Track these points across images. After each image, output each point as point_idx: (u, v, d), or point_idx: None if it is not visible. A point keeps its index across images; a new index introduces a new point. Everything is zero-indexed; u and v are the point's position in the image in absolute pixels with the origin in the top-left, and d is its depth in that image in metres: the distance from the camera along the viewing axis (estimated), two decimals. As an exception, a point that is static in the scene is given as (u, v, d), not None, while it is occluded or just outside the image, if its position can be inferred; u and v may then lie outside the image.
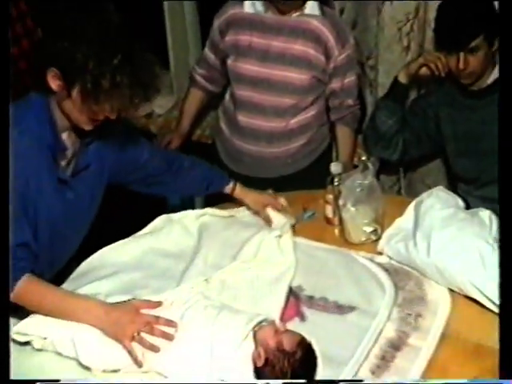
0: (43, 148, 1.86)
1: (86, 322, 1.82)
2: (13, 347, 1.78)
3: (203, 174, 2.40)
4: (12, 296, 1.77)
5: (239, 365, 1.75)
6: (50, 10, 1.88)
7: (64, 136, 1.93)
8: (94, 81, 1.72)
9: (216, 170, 2.51)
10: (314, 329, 1.85)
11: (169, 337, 1.80)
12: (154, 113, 3.76)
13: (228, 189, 2.40)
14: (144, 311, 1.84)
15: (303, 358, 1.75)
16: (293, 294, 2.05)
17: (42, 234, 1.92)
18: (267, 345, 1.75)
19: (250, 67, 2.64)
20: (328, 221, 2.41)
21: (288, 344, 1.76)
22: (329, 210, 2.38)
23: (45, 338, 1.84)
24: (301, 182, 2.65)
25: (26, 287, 1.80)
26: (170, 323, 1.82)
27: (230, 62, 2.69)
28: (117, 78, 1.73)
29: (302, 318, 1.97)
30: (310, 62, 2.60)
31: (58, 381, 1.59)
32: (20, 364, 1.79)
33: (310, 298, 2.04)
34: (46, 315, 1.83)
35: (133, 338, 1.79)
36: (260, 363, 1.74)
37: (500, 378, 1.44)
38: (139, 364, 1.77)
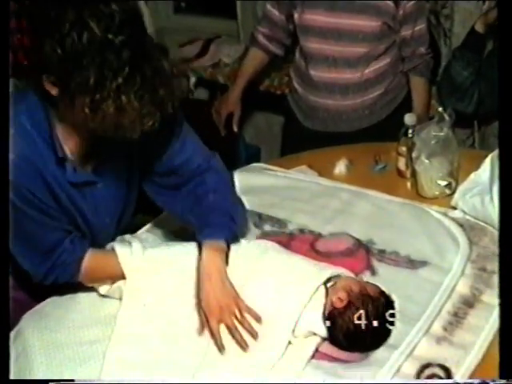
0: (43, 151, 1.67)
1: None
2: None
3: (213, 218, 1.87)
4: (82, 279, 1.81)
5: (308, 316, 1.72)
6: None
7: (65, 144, 1.71)
8: (94, 105, 1.48)
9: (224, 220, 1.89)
10: (385, 283, 1.80)
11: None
12: (221, 62, 3.74)
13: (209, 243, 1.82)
14: None
15: (386, 306, 1.72)
16: (363, 247, 2.01)
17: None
18: (350, 289, 1.72)
19: (317, 18, 2.58)
20: (400, 174, 2.36)
21: (372, 290, 1.73)
22: (401, 163, 2.33)
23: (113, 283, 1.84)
24: (377, 135, 2.61)
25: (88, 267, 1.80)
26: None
27: (296, 14, 2.63)
28: (122, 99, 1.46)
29: (373, 271, 1.93)
30: (379, 8, 2.53)
31: (72, 381, 1.58)
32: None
33: (381, 251, 2.00)
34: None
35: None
36: (341, 305, 1.70)
37: (500, 378, 1.40)
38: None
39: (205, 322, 1.73)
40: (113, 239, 1.94)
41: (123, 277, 1.80)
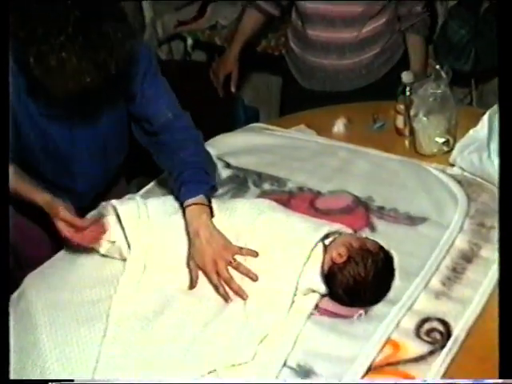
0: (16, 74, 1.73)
1: None
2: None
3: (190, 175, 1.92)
4: None
5: (307, 273, 1.73)
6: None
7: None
8: (38, 55, 1.55)
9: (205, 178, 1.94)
10: (385, 240, 1.81)
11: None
12: (218, 24, 3.73)
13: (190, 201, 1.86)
14: None
15: (385, 261, 1.73)
16: (363, 204, 2.02)
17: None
18: (350, 245, 1.73)
19: (313, -23, 2.55)
20: (398, 131, 2.36)
21: (371, 246, 1.74)
22: (400, 121, 2.34)
23: (113, 242, 1.86)
24: (375, 93, 2.60)
25: None
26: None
27: None
28: (63, 55, 1.53)
29: (373, 228, 1.94)
30: None
31: (71, 381, 1.58)
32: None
33: (381, 208, 2.02)
34: None
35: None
36: (341, 260, 1.71)
37: (500, 378, 1.41)
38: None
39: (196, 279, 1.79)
40: (103, 184, 2.13)
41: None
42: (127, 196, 2.00)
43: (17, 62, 1.68)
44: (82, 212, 1.95)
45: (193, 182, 1.88)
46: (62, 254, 1.99)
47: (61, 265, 1.94)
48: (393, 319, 1.66)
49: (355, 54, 2.67)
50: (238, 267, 1.75)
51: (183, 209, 1.85)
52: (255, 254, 1.76)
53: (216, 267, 1.75)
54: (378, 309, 1.70)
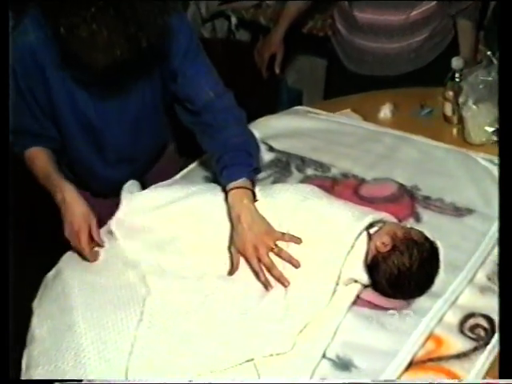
0: (49, 46, 1.78)
1: None
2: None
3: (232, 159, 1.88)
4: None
5: (350, 262, 1.69)
6: None
7: None
8: (69, 27, 1.57)
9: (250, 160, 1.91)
10: (430, 230, 1.76)
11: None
12: (264, 3, 3.69)
13: (231, 185, 1.83)
14: None
15: (431, 251, 1.69)
16: (408, 193, 1.98)
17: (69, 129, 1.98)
18: (395, 234, 1.69)
19: (362, -42, 2.51)
20: (446, 119, 2.32)
21: (416, 235, 1.70)
22: (448, 108, 2.29)
23: None
24: (422, 79, 2.56)
25: (27, 160, 1.98)
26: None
27: None
28: (93, 27, 1.55)
29: (417, 218, 1.91)
30: None
31: (80, 381, 1.56)
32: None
33: (426, 198, 1.98)
34: None
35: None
36: (385, 249, 1.68)
37: (500, 378, 1.37)
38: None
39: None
40: (137, 162, 2.16)
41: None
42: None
43: (46, 33, 1.73)
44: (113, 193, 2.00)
45: (235, 164, 1.86)
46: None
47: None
48: (436, 313, 1.62)
49: (404, 37, 2.63)
50: (279, 253, 1.72)
51: (225, 192, 1.83)
52: (298, 241, 1.73)
53: (257, 253, 1.72)
54: (421, 302, 1.66)
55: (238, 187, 1.81)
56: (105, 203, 2.07)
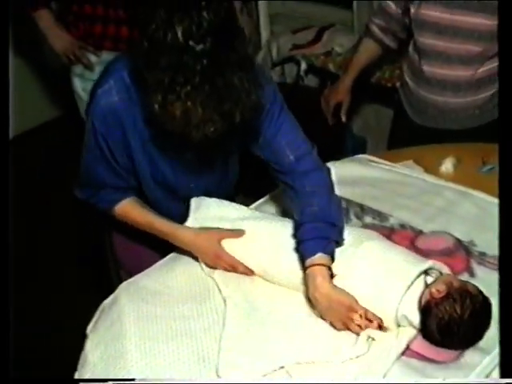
0: (132, 106, 1.81)
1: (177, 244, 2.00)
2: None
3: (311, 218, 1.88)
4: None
5: (406, 300, 1.73)
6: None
7: None
8: (164, 103, 1.55)
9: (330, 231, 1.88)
10: (484, 286, 1.77)
11: (248, 273, 1.91)
12: (334, 51, 3.74)
13: (307, 263, 1.83)
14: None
15: (484, 305, 1.71)
16: (464, 248, 1.99)
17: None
18: (451, 283, 1.71)
19: (434, 13, 2.53)
20: (508, 177, 2.31)
21: (471, 288, 1.72)
22: (510, 166, 2.29)
23: None
24: (486, 135, 2.56)
25: (120, 214, 2.04)
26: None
27: (412, 9, 2.59)
28: (188, 104, 1.53)
29: (472, 273, 1.91)
30: (496, 7, 2.47)
31: (133, 379, 1.63)
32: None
33: (482, 254, 1.98)
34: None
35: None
36: (439, 295, 1.69)
37: (500, 378, 1.36)
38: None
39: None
40: None
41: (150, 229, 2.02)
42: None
43: (131, 97, 1.79)
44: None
45: (311, 238, 1.84)
46: (158, 264, 2.05)
47: (155, 277, 1.99)
48: (483, 370, 1.62)
49: (470, 92, 2.64)
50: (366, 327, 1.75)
51: (302, 263, 1.85)
52: (379, 321, 1.74)
53: (345, 326, 1.77)
54: (469, 357, 1.66)
55: (313, 265, 1.80)
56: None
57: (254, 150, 1.95)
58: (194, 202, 2.03)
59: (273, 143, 1.91)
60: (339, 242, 1.88)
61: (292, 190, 1.93)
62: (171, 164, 1.97)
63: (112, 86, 1.80)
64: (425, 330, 1.71)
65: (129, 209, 2.03)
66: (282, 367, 1.66)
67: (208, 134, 1.58)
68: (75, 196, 2.06)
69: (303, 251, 1.83)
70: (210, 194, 2.08)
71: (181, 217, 2.03)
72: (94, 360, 1.75)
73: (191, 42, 1.50)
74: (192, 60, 1.50)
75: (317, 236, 1.83)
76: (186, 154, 1.93)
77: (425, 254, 1.95)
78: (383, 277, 1.76)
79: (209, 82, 1.52)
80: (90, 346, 1.80)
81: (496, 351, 1.64)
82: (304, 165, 1.92)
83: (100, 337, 1.81)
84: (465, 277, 1.88)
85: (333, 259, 1.82)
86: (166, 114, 1.57)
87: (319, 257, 1.80)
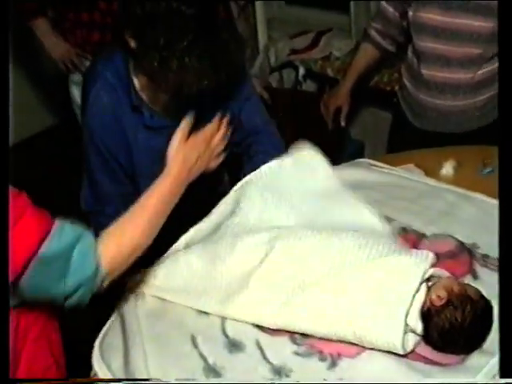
0: (121, 101, 1.97)
1: None
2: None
3: None
4: None
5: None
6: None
7: (144, 93, 2.00)
8: (162, 61, 1.74)
9: None
10: (487, 288, 1.77)
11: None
12: (332, 55, 3.74)
13: None
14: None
15: (485, 309, 1.71)
16: (467, 250, 1.99)
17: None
18: (451, 289, 1.71)
19: (432, 16, 2.54)
20: (509, 179, 2.31)
21: (472, 293, 1.72)
22: (511, 168, 2.29)
23: None
24: (486, 137, 2.56)
25: None
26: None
27: (410, 12, 2.60)
28: (185, 59, 1.72)
29: (475, 276, 1.91)
30: (495, 9, 2.47)
31: (148, 380, 1.63)
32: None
33: (485, 256, 1.98)
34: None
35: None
36: (440, 303, 1.69)
37: (500, 378, 1.36)
38: None
39: None
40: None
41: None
42: None
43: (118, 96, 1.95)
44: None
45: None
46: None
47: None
48: (489, 371, 1.62)
49: (469, 95, 2.65)
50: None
51: None
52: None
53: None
54: (475, 360, 1.66)
55: None
56: None
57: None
58: None
59: (249, 108, 2.21)
60: None
61: (247, 151, 2.23)
62: (166, 141, 1.97)
63: (99, 88, 1.97)
64: (427, 338, 1.71)
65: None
66: None
67: (202, 87, 1.77)
68: (80, 207, 2.12)
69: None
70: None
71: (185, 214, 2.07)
72: None
73: (183, 7, 1.72)
74: (184, 22, 1.72)
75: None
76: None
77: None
78: (384, 290, 1.74)
79: (201, 40, 1.73)
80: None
81: (502, 353, 1.65)
82: (271, 127, 2.27)
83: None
84: (468, 279, 1.88)
85: None
86: (163, 71, 1.75)
87: None
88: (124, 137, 2.02)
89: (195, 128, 2.01)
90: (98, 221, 1.99)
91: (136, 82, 1.98)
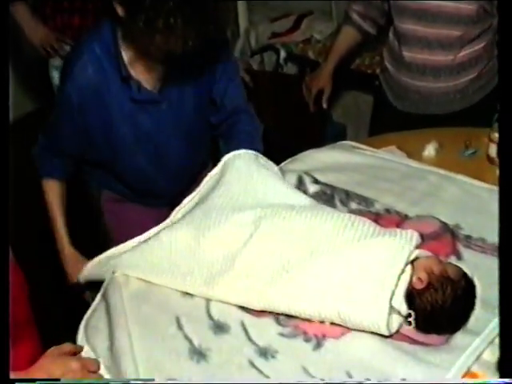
0: (107, 75, 2.00)
1: None
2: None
3: None
4: None
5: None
6: None
7: (132, 66, 2.02)
8: (148, 21, 1.77)
9: None
10: (470, 269, 1.78)
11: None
12: (313, 38, 3.74)
13: None
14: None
15: (466, 289, 1.72)
16: (450, 231, 2.00)
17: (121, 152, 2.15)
18: (431, 271, 1.72)
19: (413, -2, 2.54)
20: (491, 161, 2.33)
21: (453, 273, 1.73)
22: (493, 150, 2.30)
23: None
24: (468, 119, 2.58)
25: (44, 187, 2.22)
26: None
27: None
28: (170, 20, 1.76)
29: (459, 256, 1.92)
30: None
31: (152, 380, 1.60)
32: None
33: (468, 237, 1.99)
34: None
35: None
36: (421, 286, 1.70)
37: (500, 378, 1.37)
38: None
39: None
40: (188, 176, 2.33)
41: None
42: None
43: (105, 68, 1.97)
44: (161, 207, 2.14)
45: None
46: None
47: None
48: (474, 351, 1.63)
49: (451, 77, 2.65)
50: None
51: None
52: None
53: None
54: (460, 339, 1.67)
55: None
56: (152, 213, 2.28)
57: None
58: None
59: (232, 90, 2.23)
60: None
61: (229, 130, 2.25)
62: (151, 119, 2.11)
63: (85, 59, 1.98)
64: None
65: (50, 188, 2.21)
66: None
67: (187, 48, 1.81)
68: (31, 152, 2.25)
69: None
70: (191, 155, 2.27)
71: (168, 191, 2.23)
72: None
73: None
74: None
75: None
76: (162, 105, 2.11)
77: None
78: (368, 274, 1.73)
79: (187, 2, 1.76)
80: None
81: (486, 332, 1.66)
82: (250, 110, 2.29)
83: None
84: (452, 260, 1.89)
85: None
86: (150, 31, 1.78)
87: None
88: (105, 110, 2.04)
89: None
90: (44, 164, 2.21)
91: (124, 54, 2.00)
